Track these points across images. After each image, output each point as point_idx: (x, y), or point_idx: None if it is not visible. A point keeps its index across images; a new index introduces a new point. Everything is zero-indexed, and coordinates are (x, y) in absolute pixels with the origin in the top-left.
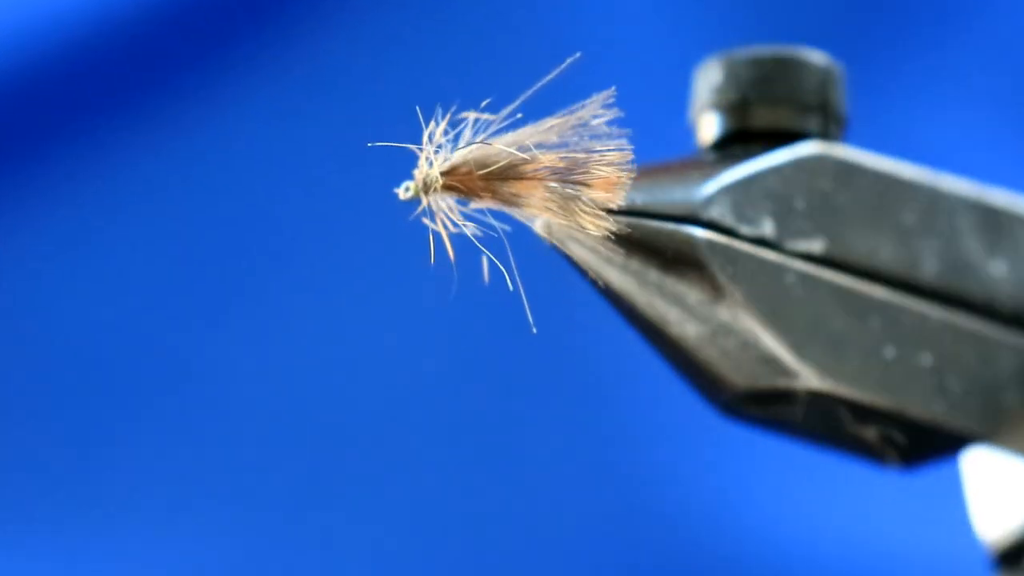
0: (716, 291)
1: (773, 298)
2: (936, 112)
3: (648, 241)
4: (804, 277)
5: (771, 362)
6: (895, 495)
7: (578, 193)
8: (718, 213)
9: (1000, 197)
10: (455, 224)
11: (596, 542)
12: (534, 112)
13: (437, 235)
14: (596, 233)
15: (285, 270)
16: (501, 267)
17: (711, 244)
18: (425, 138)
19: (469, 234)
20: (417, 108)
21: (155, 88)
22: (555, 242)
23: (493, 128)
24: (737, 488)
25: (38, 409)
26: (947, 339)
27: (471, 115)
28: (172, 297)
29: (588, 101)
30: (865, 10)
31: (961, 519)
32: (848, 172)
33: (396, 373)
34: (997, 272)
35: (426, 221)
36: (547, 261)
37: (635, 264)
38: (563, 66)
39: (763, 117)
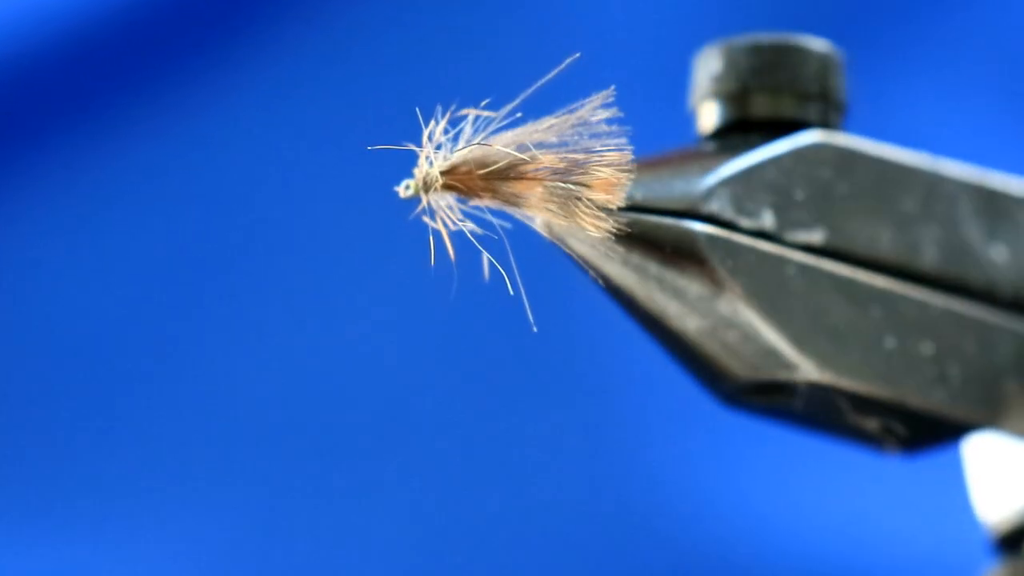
0: (716, 285)
1: (773, 291)
2: (936, 98)
3: (648, 236)
4: (804, 268)
5: (771, 355)
6: (893, 487)
7: (578, 192)
8: (717, 207)
9: (999, 180)
10: (455, 222)
11: (594, 538)
12: (534, 108)
13: (436, 233)
14: (596, 233)
15: (284, 263)
16: (500, 267)
17: (711, 238)
18: (425, 137)
19: (468, 233)
20: (417, 109)
21: (156, 78)
22: (555, 239)
23: (493, 127)
24: (734, 482)
25: (33, 398)
26: (948, 327)
27: (471, 112)
28: (171, 290)
29: (587, 100)
30: (860, 5)
31: (960, 507)
32: (848, 160)
33: (394, 369)
34: (997, 257)
35: (426, 220)
36: (546, 259)
37: (635, 259)
38: (562, 66)
39: (763, 106)
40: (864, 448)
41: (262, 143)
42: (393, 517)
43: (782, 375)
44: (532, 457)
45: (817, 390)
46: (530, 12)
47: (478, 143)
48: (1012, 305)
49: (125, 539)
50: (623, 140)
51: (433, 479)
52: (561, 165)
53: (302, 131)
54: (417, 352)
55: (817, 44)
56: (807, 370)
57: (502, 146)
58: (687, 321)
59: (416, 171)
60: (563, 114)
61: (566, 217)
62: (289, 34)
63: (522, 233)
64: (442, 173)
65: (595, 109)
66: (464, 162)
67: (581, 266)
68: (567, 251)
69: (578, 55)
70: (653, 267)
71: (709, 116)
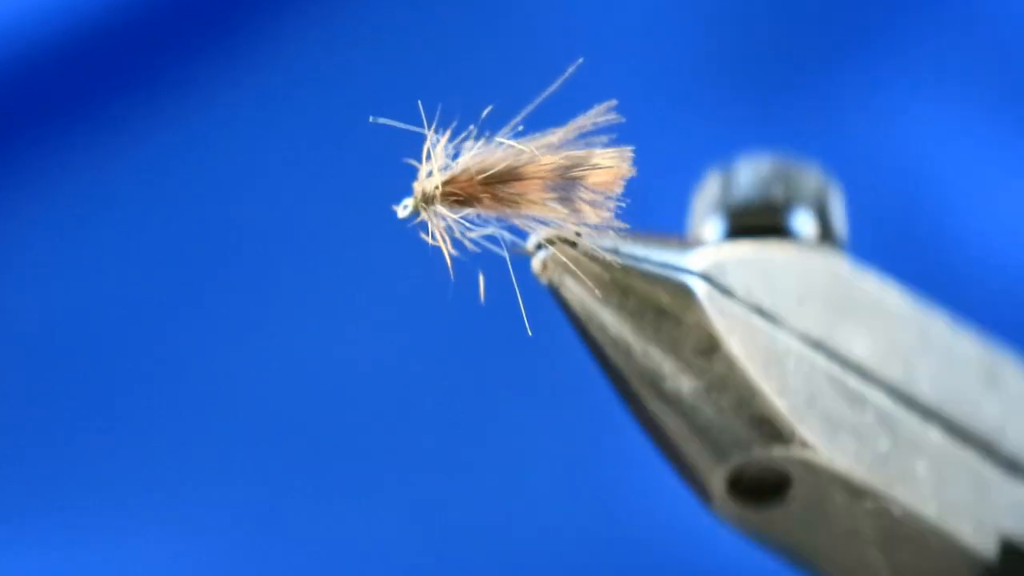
0: (713, 339)
1: (768, 358)
2: (936, 98)
3: (647, 279)
4: (800, 355)
5: (765, 423)
6: None
7: (580, 183)
8: (716, 274)
9: (992, 344)
10: (454, 235)
11: (594, 537)
12: (534, 111)
13: (434, 237)
14: (596, 234)
15: (284, 263)
16: (489, 275)
17: (709, 293)
18: (424, 151)
19: (467, 243)
20: (419, 104)
21: (155, 78)
22: (552, 279)
23: (493, 138)
24: None
25: (33, 398)
26: (942, 459)
27: (471, 128)
28: (171, 290)
29: (588, 113)
30: (860, 4)
31: None
32: (847, 282)
33: (394, 369)
34: (992, 408)
35: (424, 236)
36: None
37: (632, 304)
38: (566, 75)
39: (762, 220)
40: None
41: (262, 143)
42: (393, 517)
43: (777, 453)
44: (532, 457)
45: (811, 480)
46: (530, 12)
47: (478, 150)
48: (1008, 464)
49: (125, 539)
50: (626, 148)
51: (433, 479)
52: (562, 162)
53: (302, 131)
54: (417, 352)
55: (812, 169)
56: (802, 440)
57: (502, 151)
58: (681, 381)
59: (415, 185)
60: (563, 129)
61: (568, 211)
62: (289, 34)
63: (521, 236)
64: (442, 184)
65: (596, 120)
66: (464, 170)
67: (576, 319)
68: (563, 298)
69: (581, 60)
70: (650, 313)
71: (711, 232)
